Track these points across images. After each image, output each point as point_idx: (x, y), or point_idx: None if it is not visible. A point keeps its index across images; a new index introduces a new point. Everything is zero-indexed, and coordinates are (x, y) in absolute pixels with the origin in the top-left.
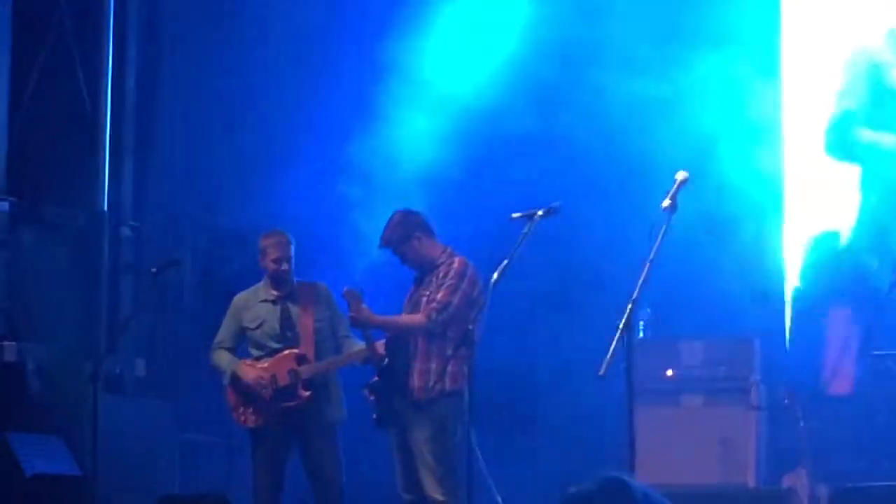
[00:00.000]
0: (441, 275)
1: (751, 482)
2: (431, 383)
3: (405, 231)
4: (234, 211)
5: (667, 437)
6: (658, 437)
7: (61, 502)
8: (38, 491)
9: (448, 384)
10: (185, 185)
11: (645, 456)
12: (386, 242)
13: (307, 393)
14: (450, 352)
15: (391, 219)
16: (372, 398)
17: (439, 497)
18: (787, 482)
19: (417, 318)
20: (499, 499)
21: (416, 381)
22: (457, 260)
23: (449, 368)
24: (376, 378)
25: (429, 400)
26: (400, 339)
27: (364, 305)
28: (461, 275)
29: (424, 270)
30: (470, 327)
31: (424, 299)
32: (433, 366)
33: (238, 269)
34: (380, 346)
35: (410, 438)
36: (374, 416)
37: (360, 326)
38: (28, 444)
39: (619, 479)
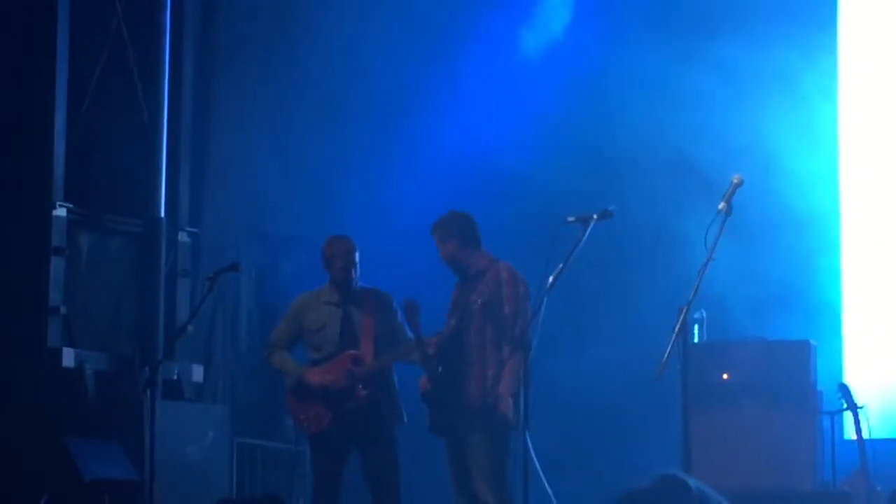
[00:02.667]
0: (492, 283)
1: (808, 486)
2: (488, 390)
3: (445, 232)
4: (288, 216)
5: (723, 443)
6: (714, 443)
7: None
8: (96, 496)
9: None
10: (240, 190)
11: (700, 462)
12: (432, 233)
13: (364, 391)
14: (505, 358)
15: (442, 216)
16: (427, 406)
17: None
18: (844, 486)
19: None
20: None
21: (472, 387)
22: (502, 266)
23: (490, 374)
24: (430, 387)
25: (485, 406)
26: (454, 346)
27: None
28: (514, 281)
29: (467, 276)
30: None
31: (476, 307)
32: (489, 372)
33: (292, 274)
34: (430, 341)
35: (465, 445)
36: (428, 424)
37: (426, 363)
38: (86, 450)
39: (675, 476)
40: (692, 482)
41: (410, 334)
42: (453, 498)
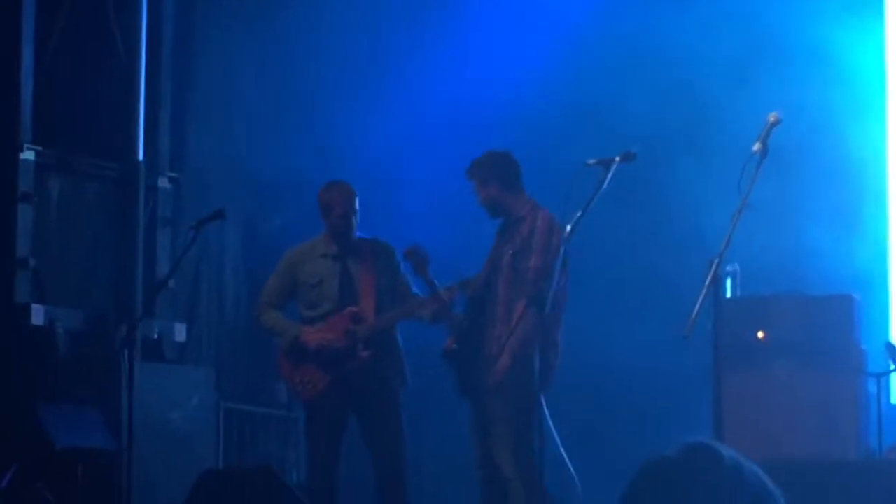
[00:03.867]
0: (526, 232)
1: (852, 454)
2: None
3: (484, 174)
4: (279, 160)
5: (757, 406)
6: (747, 406)
7: (94, 477)
8: (69, 466)
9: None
10: (225, 132)
11: (733, 426)
12: (468, 174)
13: (365, 352)
14: (517, 314)
15: (483, 155)
16: (451, 367)
17: (510, 474)
18: (891, 454)
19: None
20: (572, 470)
21: (493, 348)
22: (540, 216)
23: (514, 331)
24: (454, 345)
25: (508, 368)
26: (479, 302)
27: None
28: (548, 231)
29: (507, 222)
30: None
31: (507, 258)
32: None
33: (283, 223)
34: (445, 293)
35: (487, 411)
36: (457, 385)
37: (443, 318)
38: (58, 415)
39: (705, 445)
40: (724, 451)
41: (416, 289)
42: (475, 469)
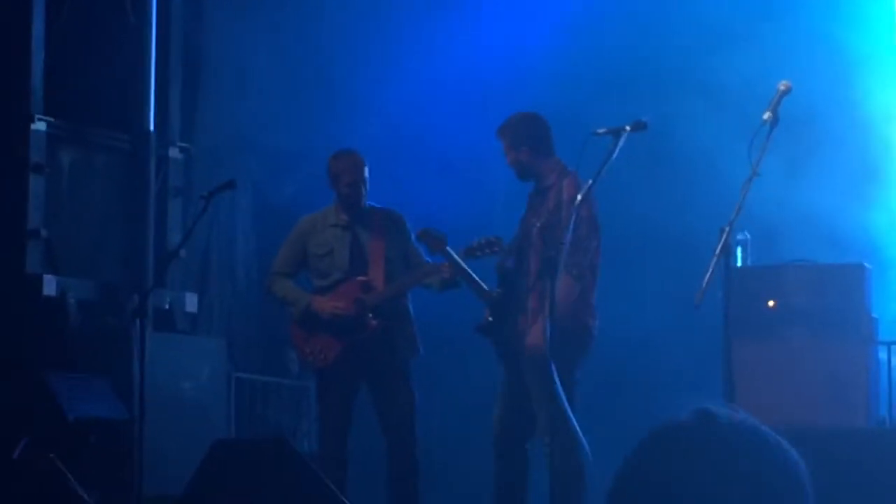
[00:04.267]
0: (552, 205)
1: (862, 422)
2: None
3: (514, 137)
4: (290, 130)
5: (768, 375)
6: (758, 375)
7: (106, 448)
8: (81, 436)
9: (569, 320)
10: (236, 102)
11: (744, 395)
12: (498, 134)
13: (375, 321)
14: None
15: (514, 116)
16: (488, 338)
17: (548, 439)
18: None
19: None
20: (581, 436)
21: (527, 319)
22: (565, 184)
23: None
24: (489, 317)
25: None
26: (512, 273)
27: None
28: (573, 202)
29: (536, 189)
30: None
31: (535, 230)
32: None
33: (294, 193)
34: (445, 267)
35: (522, 379)
36: (498, 356)
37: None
38: (70, 386)
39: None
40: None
41: (428, 257)
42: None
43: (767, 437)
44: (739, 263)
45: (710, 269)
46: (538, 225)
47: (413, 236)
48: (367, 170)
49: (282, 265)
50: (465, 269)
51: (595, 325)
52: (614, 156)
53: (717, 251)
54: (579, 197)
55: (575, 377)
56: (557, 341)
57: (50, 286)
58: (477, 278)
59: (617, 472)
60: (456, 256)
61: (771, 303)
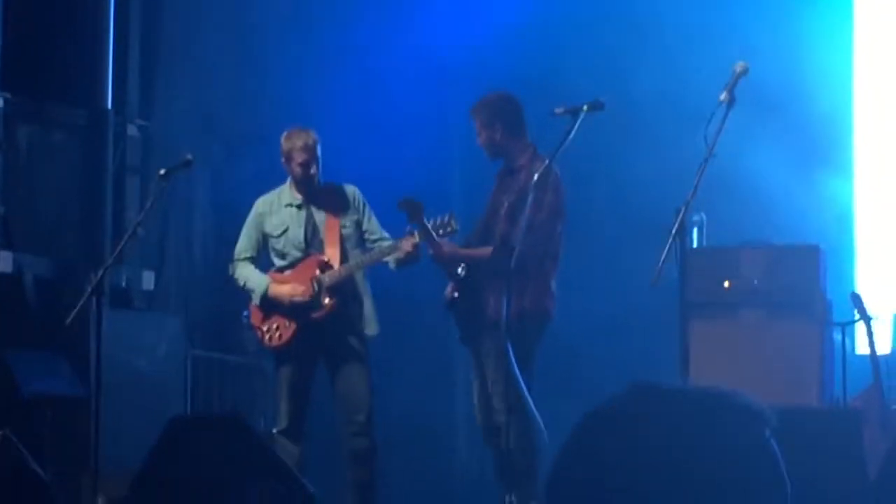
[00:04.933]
0: (523, 184)
1: (814, 402)
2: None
3: (490, 115)
4: (248, 109)
5: (723, 355)
6: (714, 355)
7: (62, 425)
8: (37, 412)
9: (527, 303)
10: (195, 80)
11: (699, 374)
12: (472, 112)
13: (330, 300)
14: (531, 269)
15: (488, 95)
16: (451, 315)
17: (504, 417)
18: (856, 402)
19: (492, 252)
20: (537, 416)
21: (491, 300)
22: (538, 166)
23: (530, 286)
24: (455, 294)
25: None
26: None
27: (443, 242)
28: (544, 186)
29: (506, 168)
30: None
31: (503, 208)
32: (512, 286)
33: (251, 172)
34: (407, 242)
35: (485, 360)
36: (458, 335)
37: (442, 263)
38: (26, 363)
39: (646, 382)
40: (667, 385)
41: (386, 233)
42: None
43: (721, 400)
44: (695, 244)
45: (666, 250)
46: (507, 203)
47: (369, 209)
48: (319, 147)
49: (242, 250)
50: (437, 244)
51: (553, 308)
52: (572, 135)
53: (673, 232)
54: (536, 176)
55: (534, 358)
56: (516, 323)
57: (6, 263)
58: (412, 252)
59: (554, 458)
60: (430, 230)
61: (726, 283)
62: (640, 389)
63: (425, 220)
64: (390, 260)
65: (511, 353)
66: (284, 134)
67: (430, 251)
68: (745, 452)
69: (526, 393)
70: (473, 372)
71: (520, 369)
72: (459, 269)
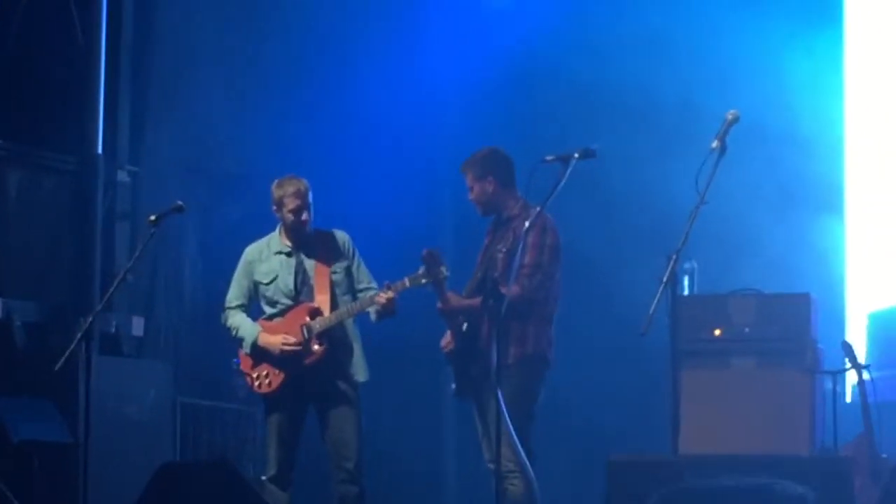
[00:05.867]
0: (519, 231)
1: (805, 451)
2: (512, 348)
3: (482, 168)
4: (236, 154)
5: (714, 402)
6: (705, 402)
7: (51, 471)
8: (25, 459)
9: (530, 348)
10: (184, 126)
11: (691, 422)
12: (463, 168)
13: (319, 347)
14: (535, 313)
15: (481, 150)
16: (450, 367)
17: (512, 465)
18: (846, 451)
19: (513, 291)
20: (525, 461)
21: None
22: (533, 213)
23: (531, 330)
24: (454, 345)
25: (507, 365)
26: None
27: (450, 293)
28: (542, 229)
29: (499, 220)
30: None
31: (500, 256)
32: (514, 330)
33: (240, 217)
34: (381, 296)
35: (488, 406)
36: (453, 386)
37: (447, 315)
38: (15, 408)
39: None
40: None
41: (374, 282)
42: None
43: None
44: (686, 292)
45: (657, 297)
46: (504, 250)
47: (358, 256)
48: (310, 195)
49: (233, 298)
50: (446, 296)
51: (552, 355)
52: (562, 183)
53: (664, 279)
54: (527, 224)
55: (536, 402)
56: (521, 367)
57: None
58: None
59: None
60: (444, 286)
61: (717, 332)
62: (680, 488)
63: (439, 272)
64: (371, 311)
65: (501, 399)
66: (276, 182)
67: (439, 304)
68: None
69: (516, 441)
70: (478, 420)
71: (524, 415)
72: (463, 326)
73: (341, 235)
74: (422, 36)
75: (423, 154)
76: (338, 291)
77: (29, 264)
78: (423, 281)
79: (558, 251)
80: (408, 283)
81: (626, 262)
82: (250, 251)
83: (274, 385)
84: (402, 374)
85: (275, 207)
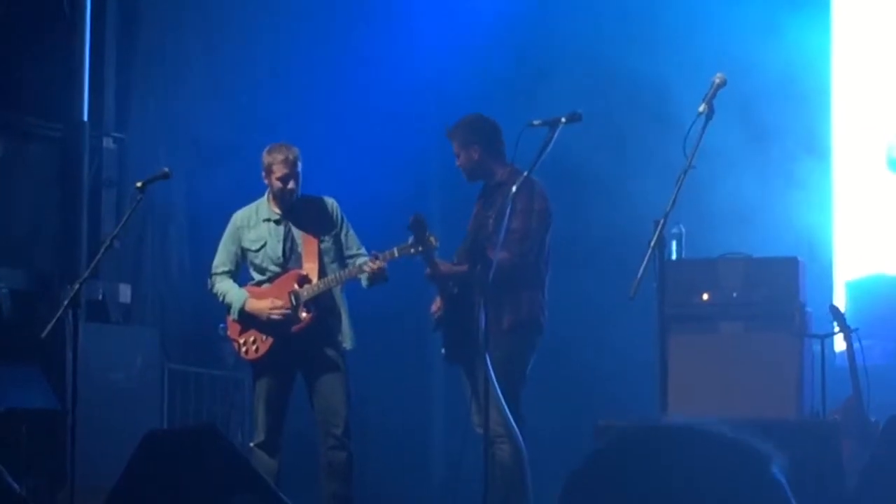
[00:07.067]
0: (508, 196)
1: (793, 414)
2: (506, 315)
3: (467, 135)
4: (224, 121)
5: (702, 367)
6: (693, 367)
7: (38, 438)
8: (12, 426)
9: (524, 314)
10: (171, 92)
11: (678, 387)
12: (449, 135)
13: (307, 314)
14: (527, 278)
15: (466, 116)
16: (439, 332)
17: (501, 430)
18: (835, 414)
19: (501, 256)
20: (515, 427)
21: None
22: (522, 180)
23: (524, 296)
24: (443, 310)
25: (502, 331)
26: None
27: (439, 260)
28: (531, 194)
29: (487, 187)
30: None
31: (491, 222)
32: (508, 296)
33: (229, 183)
34: (372, 264)
35: (478, 372)
36: (443, 351)
37: (437, 282)
38: (1, 376)
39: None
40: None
41: (363, 249)
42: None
43: (724, 443)
44: (674, 256)
45: (645, 262)
46: (493, 216)
47: (347, 223)
48: (300, 163)
49: (220, 264)
50: (435, 263)
51: (545, 320)
52: (549, 147)
53: (652, 244)
54: (514, 189)
55: (528, 368)
56: (513, 333)
57: None
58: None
59: (569, 475)
60: (432, 248)
61: (705, 296)
62: (640, 432)
63: (426, 238)
64: (362, 278)
65: (490, 366)
66: (267, 148)
67: (427, 270)
68: (754, 494)
69: (505, 408)
70: (468, 385)
71: (516, 380)
72: (454, 291)
73: (330, 202)
74: (409, 3)
75: (409, 120)
76: (326, 259)
77: (15, 231)
78: (412, 251)
79: (548, 216)
80: (396, 253)
81: (617, 227)
82: (238, 217)
83: (261, 351)
84: (389, 341)
85: (264, 173)
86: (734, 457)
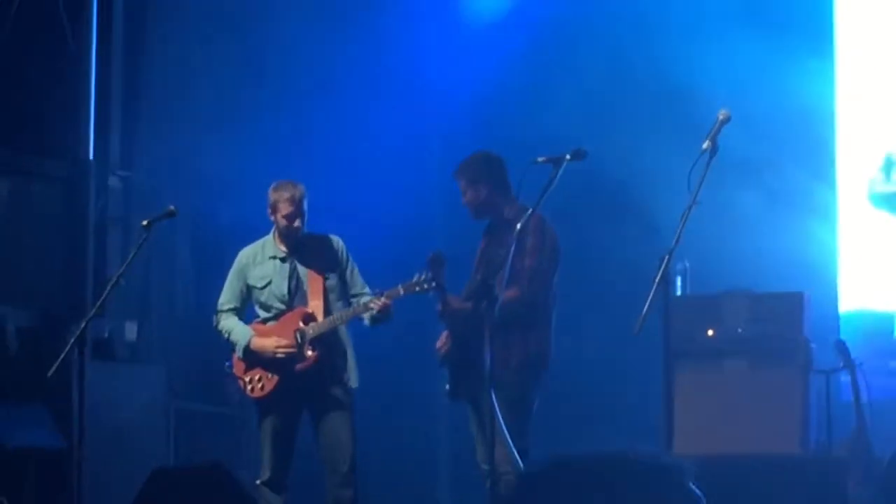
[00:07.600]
0: (517, 234)
1: (797, 450)
2: (515, 354)
3: (475, 173)
4: (228, 158)
5: (707, 402)
6: (698, 402)
7: (46, 477)
8: (20, 465)
9: (533, 352)
10: (176, 130)
11: (684, 423)
12: (456, 175)
13: (312, 353)
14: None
15: (472, 155)
16: (444, 369)
17: (509, 468)
18: (840, 451)
19: (509, 294)
20: (519, 462)
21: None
22: (531, 216)
23: (533, 335)
24: (449, 346)
25: (510, 370)
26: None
27: (450, 297)
28: (541, 232)
29: (494, 224)
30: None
31: (499, 260)
32: (516, 335)
33: (232, 221)
34: (376, 303)
35: (484, 408)
36: (448, 388)
37: (448, 319)
38: (8, 415)
39: (565, 455)
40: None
41: (367, 287)
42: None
43: (640, 462)
44: (679, 292)
45: (650, 298)
46: (503, 254)
47: (352, 262)
48: (305, 200)
49: (226, 301)
50: (447, 300)
51: (550, 357)
52: (554, 184)
53: (657, 279)
54: (518, 226)
55: (533, 409)
56: (521, 370)
57: None
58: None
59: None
60: (441, 284)
61: (710, 332)
62: (560, 461)
63: (442, 277)
64: (365, 317)
65: (495, 401)
66: (272, 185)
67: (438, 307)
68: None
69: (510, 442)
70: (473, 422)
71: (523, 418)
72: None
73: (336, 240)
74: (413, 37)
75: (413, 156)
76: (331, 297)
77: (21, 270)
78: (418, 289)
79: (557, 253)
80: (402, 291)
81: (623, 263)
82: (244, 254)
83: (267, 389)
84: (394, 378)
85: (269, 210)
86: (653, 473)
